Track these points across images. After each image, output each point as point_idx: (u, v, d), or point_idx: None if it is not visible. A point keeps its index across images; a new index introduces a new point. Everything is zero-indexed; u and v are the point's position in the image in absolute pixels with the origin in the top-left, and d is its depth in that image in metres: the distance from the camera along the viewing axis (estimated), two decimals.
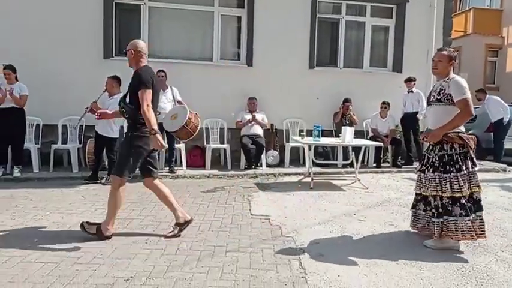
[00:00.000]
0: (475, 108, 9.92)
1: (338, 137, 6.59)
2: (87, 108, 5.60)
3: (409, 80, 7.57)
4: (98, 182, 5.83)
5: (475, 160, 3.45)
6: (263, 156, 7.06)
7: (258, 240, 3.59)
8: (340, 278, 2.87)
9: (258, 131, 7.14)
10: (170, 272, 2.88)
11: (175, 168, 6.56)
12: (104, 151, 5.96)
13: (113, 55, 7.19)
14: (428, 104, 3.62)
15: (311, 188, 5.71)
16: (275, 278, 2.83)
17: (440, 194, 3.40)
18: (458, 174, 3.35)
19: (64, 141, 6.71)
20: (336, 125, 7.57)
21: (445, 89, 3.43)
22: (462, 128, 3.46)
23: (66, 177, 6.07)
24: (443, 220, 3.40)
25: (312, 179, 5.91)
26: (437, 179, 3.42)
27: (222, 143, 7.33)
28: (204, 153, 7.06)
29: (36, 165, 6.35)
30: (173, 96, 6.43)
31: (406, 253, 3.36)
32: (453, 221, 3.37)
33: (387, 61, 8.29)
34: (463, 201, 3.35)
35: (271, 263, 3.09)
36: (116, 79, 5.81)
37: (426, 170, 3.52)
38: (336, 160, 7.44)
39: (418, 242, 3.64)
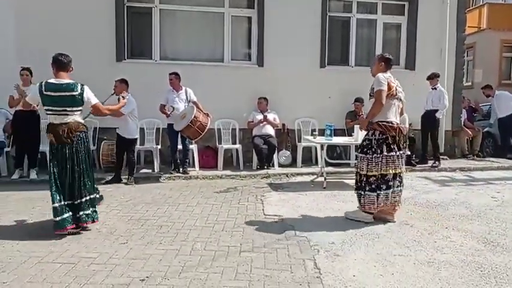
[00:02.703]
0: (486, 105, 9.64)
1: (350, 136, 6.55)
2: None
3: (430, 78, 7.32)
4: (122, 182, 5.92)
5: (392, 146, 3.95)
6: (275, 156, 7.05)
7: (271, 240, 3.58)
8: (355, 278, 2.85)
9: (270, 131, 7.13)
10: (185, 272, 2.89)
11: (188, 169, 6.58)
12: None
13: (125, 58, 7.27)
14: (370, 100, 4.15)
15: (324, 188, 5.68)
16: (290, 278, 2.82)
17: (358, 171, 4.09)
18: (373, 156, 3.96)
19: None
20: (347, 122, 7.50)
21: (372, 85, 4.06)
22: (392, 117, 3.99)
23: None
24: (358, 193, 4.09)
25: (325, 179, 5.87)
26: (359, 159, 4.10)
27: (234, 143, 7.34)
28: (216, 154, 7.08)
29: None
30: (187, 97, 6.44)
31: (423, 253, 3.32)
32: (363, 195, 4.02)
33: (400, 59, 8.19)
34: (373, 179, 3.96)
35: (286, 263, 3.08)
36: (125, 82, 5.93)
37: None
38: (349, 159, 7.38)
39: (434, 241, 3.59)
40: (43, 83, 3.73)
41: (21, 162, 6.18)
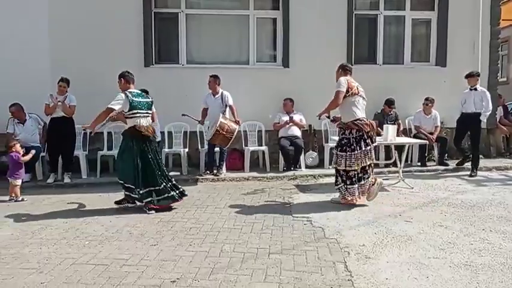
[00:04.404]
0: None
1: (379, 135, 6.41)
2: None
3: (470, 76, 6.63)
4: None
5: (368, 141, 4.51)
6: (302, 157, 6.98)
7: (300, 242, 3.55)
8: (388, 281, 2.77)
9: (296, 132, 7.08)
10: (215, 274, 2.90)
11: (218, 171, 6.63)
12: None
13: (153, 63, 7.42)
14: None
15: None
16: (320, 281, 2.77)
17: (336, 167, 4.63)
18: (352, 153, 4.46)
19: (109, 148, 6.98)
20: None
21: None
22: (360, 115, 4.55)
23: (112, 182, 6.24)
24: (340, 187, 4.65)
25: None
26: (337, 156, 4.60)
27: (260, 145, 7.33)
28: (243, 155, 7.09)
29: (84, 172, 6.67)
30: (222, 101, 6.40)
31: (459, 255, 3.19)
32: (345, 188, 4.60)
33: (430, 55, 7.94)
34: (353, 173, 4.51)
35: (316, 266, 3.03)
36: (146, 92, 5.84)
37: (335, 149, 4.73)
38: (378, 160, 7.21)
39: (470, 243, 3.44)
40: (128, 94, 4.61)
41: (56, 167, 6.41)
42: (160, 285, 2.73)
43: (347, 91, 4.57)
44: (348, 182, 4.58)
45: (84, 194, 5.57)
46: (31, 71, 6.93)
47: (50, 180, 6.26)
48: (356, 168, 4.50)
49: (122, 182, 4.71)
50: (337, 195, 4.89)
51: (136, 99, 4.63)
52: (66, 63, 6.88)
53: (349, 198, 4.66)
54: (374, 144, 4.69)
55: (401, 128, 7.26)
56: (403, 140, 6.26)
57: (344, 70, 4.82)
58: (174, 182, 4.83)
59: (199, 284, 2.76)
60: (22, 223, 4.26)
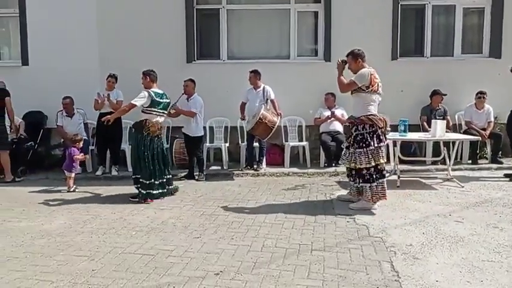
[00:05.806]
0: None
1: (426, 131, 6.14)
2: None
3: None
4: (194, 178, 6.13)
5: (381, 137, 4.27)
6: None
7: (344, 239, 3.47)
8: (438, 283, 2.64)
9: (338, 127, 6.93)
10: (257, 269, 2.90)
11: (258, 166, 6.64)
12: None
13: (195, 59, 7.53)
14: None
15: (398, 187, 5.36)
16: (365, 280, 2.70)
17: (354, 165, 4.31)
18: (367, 149, 4.20)
19: None
20: (422, 119, 6.99)
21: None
22: (373, 111, 4.29)
23: None
24: (358, 185, 4.38)
25: (399, 177, 5.55)
26: (354, 154, 4.29)
27: (301, 140, 7.25)
28: (283, 151, 7.04)
29: (130, 165, 6.89)
30: (264, 96, 6.42)
31: None
32: (367, 186, 4.28)
33: (483, 46, 7.47)
34: (370, 170, 4.23)
35: (360, 264, 2.95)
36: (193, 82, 6.25)
37: (350, 147, 4.39)
38: (424, 156, 6.91)
39: None
40: (151, 92, 4.94)
41: (104, 160, 6.70)
42: (204, 277, 2.77)
43: (367, 87, 4.24)
44: (361, 180, 4.30)
45: (130, 186, 5.72)
46: (80, 70, 7.22)
47: (98, 173, 6.55)
48: (373, 165, 4.21)
49: (134, 176, 5.02)
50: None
51: (158, 99, 4.97)
52: (113, 62, 7.11)
53: (381, 195, 4.33)
54: (386, 142, 4.48)
55: (451, 124, 6.91)
56: (453, 136, 5.95)
57: (363, 58, 4.41)
58: (168, 178, 5.13)
59: (242, 277, 2.77)
60: (74, 213, 4.49)
